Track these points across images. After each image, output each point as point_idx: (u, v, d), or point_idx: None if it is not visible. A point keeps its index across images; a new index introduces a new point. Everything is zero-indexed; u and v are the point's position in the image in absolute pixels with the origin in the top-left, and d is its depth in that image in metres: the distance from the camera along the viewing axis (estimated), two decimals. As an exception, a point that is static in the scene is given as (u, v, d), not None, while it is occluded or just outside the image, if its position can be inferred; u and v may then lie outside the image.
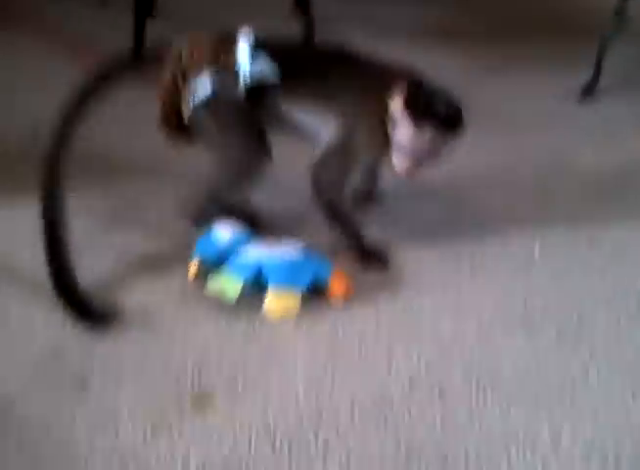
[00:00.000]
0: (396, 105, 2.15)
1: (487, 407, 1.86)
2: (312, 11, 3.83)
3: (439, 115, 2.14)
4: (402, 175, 2.24)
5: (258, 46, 2.23)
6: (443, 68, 3.65)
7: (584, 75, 3.46)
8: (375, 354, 2.02)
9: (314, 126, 2.27)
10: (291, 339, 2.06)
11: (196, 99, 2.22)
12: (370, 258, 2.33)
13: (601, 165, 2.92)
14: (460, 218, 2.60)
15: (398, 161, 2.22)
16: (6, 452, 1.70)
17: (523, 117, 3.27)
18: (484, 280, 2.31)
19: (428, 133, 2.14)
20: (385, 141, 2.21)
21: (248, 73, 2.20)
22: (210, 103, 2.22)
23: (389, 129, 2.19)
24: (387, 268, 2.31)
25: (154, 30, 3.71)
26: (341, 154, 2.27)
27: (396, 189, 2.60)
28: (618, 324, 2.14)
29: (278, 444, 1.74)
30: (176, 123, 2.28)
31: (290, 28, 3.74)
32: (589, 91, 3.44)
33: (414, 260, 2.35)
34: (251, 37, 2.26)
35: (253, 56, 2.21)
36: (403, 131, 2.16)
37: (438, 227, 2.54)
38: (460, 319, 2.14)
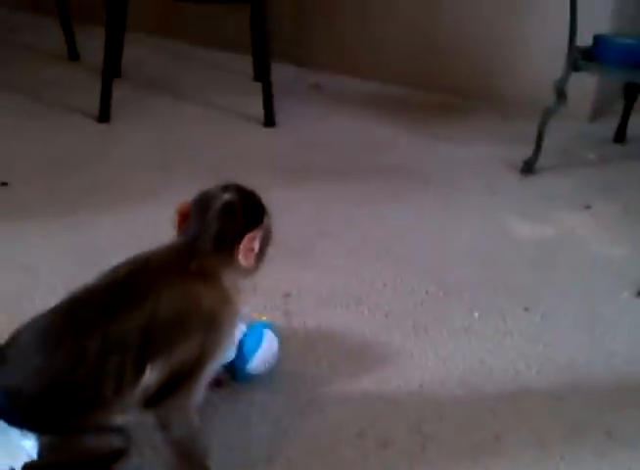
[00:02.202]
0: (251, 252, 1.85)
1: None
2: (270, 78, 3.97)
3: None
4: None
5: None
6: (391, 138, 3.88)
7: (526, 150, 3.64)
8: None
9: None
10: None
11: None
12: None
13: (537, 237, 3.10)
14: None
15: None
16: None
17: (466, 186, 3.46)
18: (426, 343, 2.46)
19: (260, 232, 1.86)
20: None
21: None
22: None
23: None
24: None
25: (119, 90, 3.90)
26: (189, 371, 1.76)
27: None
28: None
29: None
30: None
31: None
32: (529, 166, 3.62)
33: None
34: None
35: None
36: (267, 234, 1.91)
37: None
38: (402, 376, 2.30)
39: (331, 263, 2.88)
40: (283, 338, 2.29)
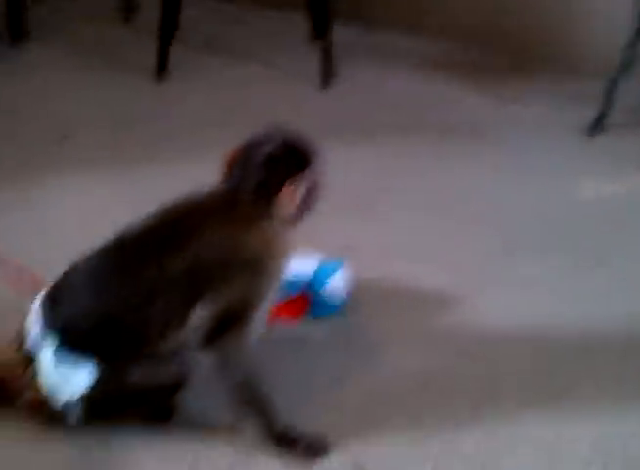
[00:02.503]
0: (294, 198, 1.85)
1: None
2: (330, 37, 3.90)
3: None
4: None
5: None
6: (456, 97, 3.80)
7: (594, 110, 3.54)
8: None
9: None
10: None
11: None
12: (294, 444, 1.84)
13: (605, 197, 3.02)
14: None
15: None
16: None
17: (533, 146, 3.39)
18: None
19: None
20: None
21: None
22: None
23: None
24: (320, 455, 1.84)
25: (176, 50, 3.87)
26: (241, 312, 1.79)
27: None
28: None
29: None
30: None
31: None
32: (597, 125, 3.51)
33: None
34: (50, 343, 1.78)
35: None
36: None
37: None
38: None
39: (394, 218, 2.82)
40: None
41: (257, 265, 1.77)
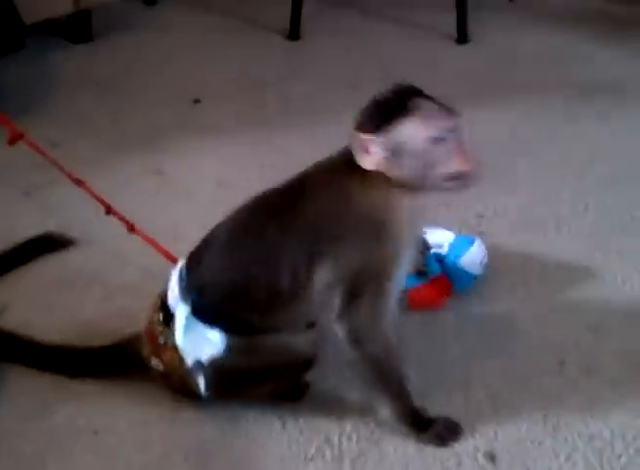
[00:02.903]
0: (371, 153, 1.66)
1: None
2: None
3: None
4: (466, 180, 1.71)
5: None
6: (594, 53, 3.67)
7: None
8: None
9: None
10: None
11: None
12: (421, 424, 1.82)
13: None
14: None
15: (444, 162, 1.67)
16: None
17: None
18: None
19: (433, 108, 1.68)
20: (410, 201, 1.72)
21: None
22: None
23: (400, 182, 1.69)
24: (450, 440, 1.81)
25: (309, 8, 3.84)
26: (370, 280, 1.72)
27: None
28: None
29: None
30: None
31: None
32: None
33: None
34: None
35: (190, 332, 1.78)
36: (417, 135, 1.65)
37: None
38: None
39: (529, 183, 2.75)
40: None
41: (374, 226, 1.69)
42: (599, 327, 2.10)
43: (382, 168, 1.66)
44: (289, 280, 1.71)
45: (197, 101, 3.35)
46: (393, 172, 1.67)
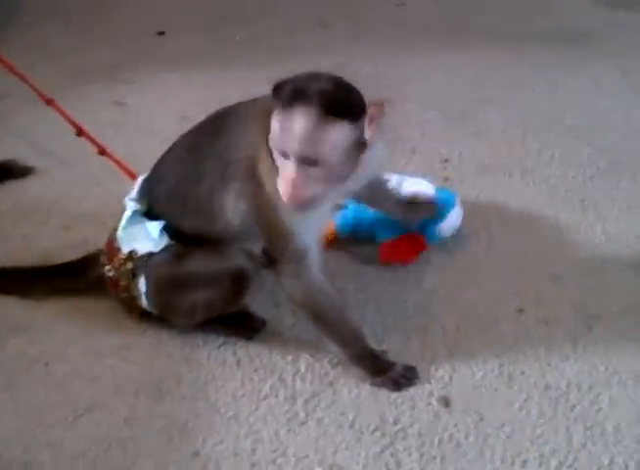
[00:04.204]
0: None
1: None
2: None
3: (310, 91, 1.60)
4: (290, 201, 1.66)
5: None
6: (566, 6, 3.63)
7: None
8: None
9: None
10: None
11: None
12: (376, 368, 1.83)
13: None
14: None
15: (280, 183, 1.66)
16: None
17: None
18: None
19: (300, 116, 1.59)
20: None
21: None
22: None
23: None
24: (406, 385, 1.81)
25: None
26: (275, 237, 1.77)
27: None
28: None
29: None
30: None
31: None
32: None
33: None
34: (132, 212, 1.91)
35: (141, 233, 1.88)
36: (274, 127, 1.64)
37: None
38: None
39: (494, 130, 2.73)
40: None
41: (252, 168, 1.75)
42: (560, 277, 2.09)
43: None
44: (207, 189, 1.81)
45: (161, 33, 3.29)
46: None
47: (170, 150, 1.93)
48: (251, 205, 1.77)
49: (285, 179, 1.63)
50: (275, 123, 1.62)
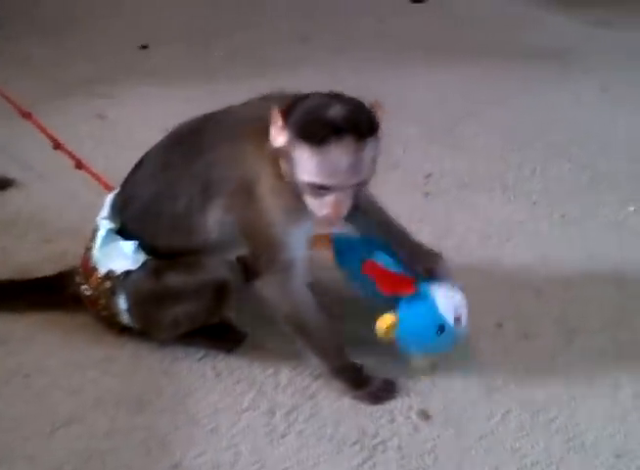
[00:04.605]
0: (277, 136, 1.64)
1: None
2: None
3: (338, 121, 1.59)
4: (328, 222, 1.75)
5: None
6: (549, 19, 3.66)
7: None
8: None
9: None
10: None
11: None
12: (356, 382, 1.82)
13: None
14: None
15: (315, 205, 1.67)
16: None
17: (625, 74, 3.26)
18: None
19: (341, 151, 1.58)
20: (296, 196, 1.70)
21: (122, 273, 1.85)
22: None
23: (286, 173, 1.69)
24: (385, 399, 1.81)
25: None
26: (263, 248, 1.76)
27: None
28: None
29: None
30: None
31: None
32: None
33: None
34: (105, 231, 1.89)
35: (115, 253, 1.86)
36: (304, 163, 1.62)
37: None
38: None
39: (476, 146, 2.74)
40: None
41: (248, 187, 1.73)
42: (540, 291, 2.10)
43: (278, 153, 1.67)
44: (185, 205, 1.79)
45: (144, 47, 3.29)
46: (282, 164, 1.67)
47: (140, 166, 1.91)
48: (241, 218, 1.76)
49: (325, 206, 1.64)
50: (306, 162, 1.61)
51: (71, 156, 2.29)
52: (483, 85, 3.14)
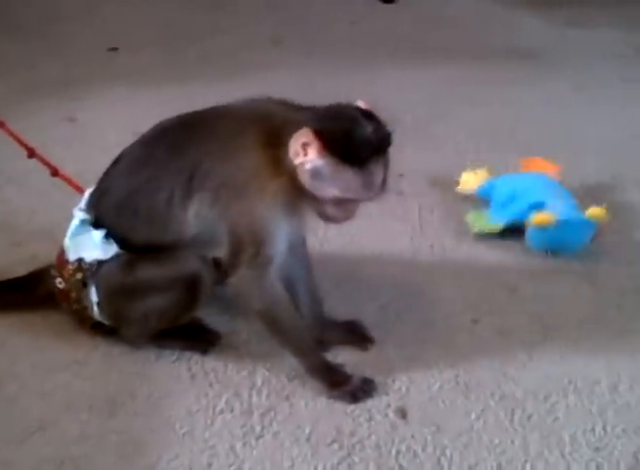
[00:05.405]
0: (311, 156, 1.66)
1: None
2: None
3: (374, 140, 1.67)
4: (337, 223, 1.80)
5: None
6: (520, 20, 3.67)
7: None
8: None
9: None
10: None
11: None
12: (333, 381, 1.81)
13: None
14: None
15: (335, 212, 1.74)
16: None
17: (597, 73, 3.29)
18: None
19: (376, 168, 1.69)
20: (294, 197, 1.73)
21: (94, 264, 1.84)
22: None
23: (299, 184, 1.70)
24: (363, 397, 1.79)
25: None
26: (247, 243, 1.75)
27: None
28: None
29: None
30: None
31: None
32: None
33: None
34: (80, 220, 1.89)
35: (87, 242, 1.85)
36: (344, 183, 1.68)
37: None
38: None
39: (448, 145, 2.74)
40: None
41: (244, 189, 1.73)
42: (515, 288, 2.10)
43: (296, 166, 1.68)
44: (165, 198, 1.78)
45: (113, 49, 3.27)
46: (299, 176, 1.69)
47: (118, 162, 1.90)
48: (228, 212, 1.74)
49: (347, 213, 1.74)
50: (348, 182, 1.67)
51: (47, 164, 2.26)
52: (455, 85, 3.14)
